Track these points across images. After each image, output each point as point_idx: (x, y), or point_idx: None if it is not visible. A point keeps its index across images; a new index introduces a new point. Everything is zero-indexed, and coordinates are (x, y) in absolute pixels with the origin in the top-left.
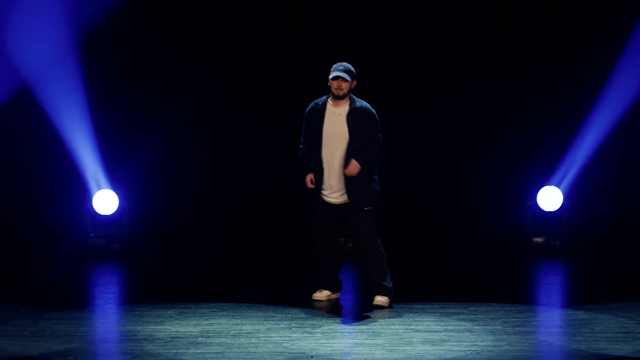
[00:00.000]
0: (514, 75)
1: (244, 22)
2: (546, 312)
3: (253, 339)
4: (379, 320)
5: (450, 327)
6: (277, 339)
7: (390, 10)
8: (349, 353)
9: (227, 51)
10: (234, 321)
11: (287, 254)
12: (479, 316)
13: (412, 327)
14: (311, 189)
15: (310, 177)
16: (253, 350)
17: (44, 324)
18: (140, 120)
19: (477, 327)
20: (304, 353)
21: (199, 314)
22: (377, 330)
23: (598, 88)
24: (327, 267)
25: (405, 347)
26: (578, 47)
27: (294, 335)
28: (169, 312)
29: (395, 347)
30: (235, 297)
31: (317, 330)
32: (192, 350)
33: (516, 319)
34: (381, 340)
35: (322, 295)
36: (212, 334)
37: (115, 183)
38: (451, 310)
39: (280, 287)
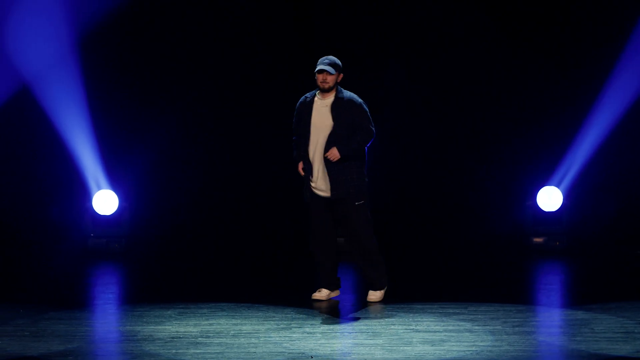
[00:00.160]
0: (514, 75)
1: (244, 22)
2: (546, 312)
3: (253, 339)
4: (379, 320)
5: (450, 327)
6: (277, 339)
7: (390, 10)
8: (349, 353)
9: (227, 51)
10: (234, 321)
11: (287, 254)
12: (479, 316)
13: (411, 327)
14: (305, 182)
15: (301, 165)
16: (253, 350)
17: (43, 324)
18: (140, 120)
19: (476, 327)
20: (303, 353)
21: (198, 314)
22: (376, 331)
23: (598, 88)
24: (325, 266)
25: (405, 347)
26: (578, 47)
27: (294, 335)
28: (169, 312)
29: (395, 347)
30: (235, 297)
31: (317, 331)
32: (192, 351)
33: (516, 319)
34: (381, 341)
35: (321, 294)
36: (211, 334)
37: (115, 183)
38: (451, 311)
39: (280, 287)
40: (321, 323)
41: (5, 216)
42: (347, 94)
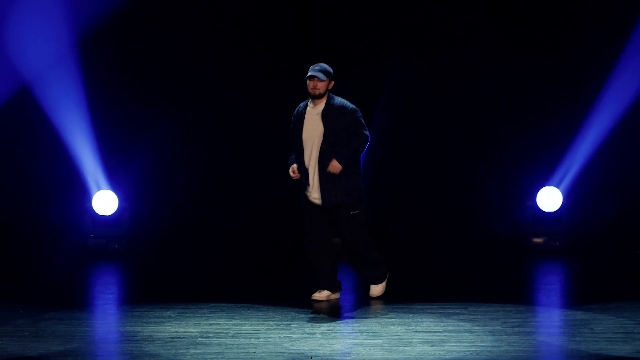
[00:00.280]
0: (514, 75)
1: (244, 22)
2: (546, 313)
3: (253, 339)
4: (379, 320)
5: (450, 328)
6: (277, 339)
7: (390, 10)
8: (349, 353)
9: (227, 51)
10: (234, 322)
11: (287, 254)
12: (479, 316)
13: (411, 327)
14: (301, 189)
15: (292, 168)
16: (252, 350)
17: (43, 324)
18: (140, 120)
19: (476, 328)
20: (303, 353)
21: (198, 315)
22: (376, 331)
23: (598, 88)
24: (323, 267)
25: (405, 348)
26: (578, 47)
27: (294, 335)
28: (169, 312)
29: (394, 348)
30: (235, 297)
31: (317, 331)
32: (192, 351)
33: (516, 320)
34: (380, 341)
35: (321, 295)
36: (211, 335)
37: (115, 183)
38: (451, 311)
39: (280, 287)
40: (321, 323)
41: (5, 216)
42: (339, 100)
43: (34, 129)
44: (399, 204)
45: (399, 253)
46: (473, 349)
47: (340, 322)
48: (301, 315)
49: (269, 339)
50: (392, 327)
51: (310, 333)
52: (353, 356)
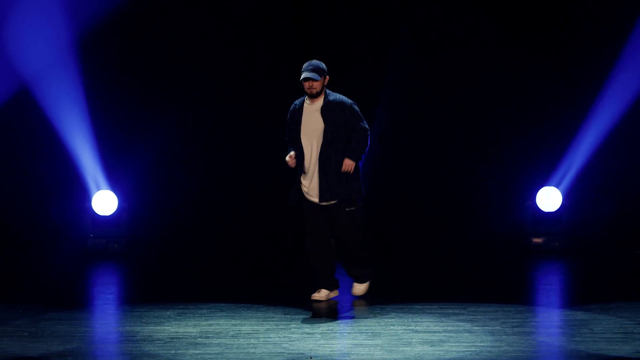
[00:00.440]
0: (514, 75)
1: (244, 22)
2: (545, 313)
3: (252, 339)
4: (378, 320)
5: (450, 328)
6: (276, 339)
7: (391, 10)
8: (348, 354)
9: (227, 51)
10: (233, 322)
11: (287, 254)
12: (478, 317)
13: (411, 327)
14: (294, 186)
15: (289, 155)
16: (252, 350)
17: (43, 325)
18: (140, 120)
19: (476, 328)
20: (303, 354)
21: (198, 315)
22: (376, 331)
23: (598, 88)
24: (322, 267)
25: (404, 348)
26: (578, 47)
27: (293, 335)
28: (168, 312)
29: (394, 348)
30: (235, 297)
31: (316, 331)
32: (191, 351)
33: (515, 320)
34: (380, 341)
35: (321, 295)
36: (211, 335)
37: (115, 183)
38: (450, 311)
39: (279, 288)
40: (320, 323)
41: (5, 216)
42: (336, 96)
43: (34, 129)
44: (399, 204)
45: (399, 253)
46: (472, 349)
47: (339, 322)
48: (301, 316)
49: (269, 339)
50: (391, 327)
51: (310, 333)
52: (352, 356)
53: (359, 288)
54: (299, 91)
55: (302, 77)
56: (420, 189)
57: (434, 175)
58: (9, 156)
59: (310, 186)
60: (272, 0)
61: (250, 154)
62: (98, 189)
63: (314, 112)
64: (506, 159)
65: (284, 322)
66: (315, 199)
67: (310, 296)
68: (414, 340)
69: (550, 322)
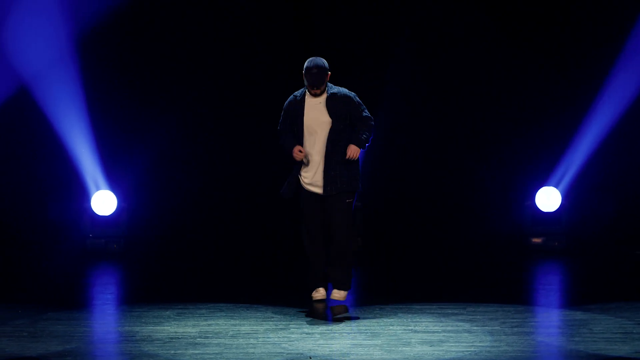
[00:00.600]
0: (514, 75)
1: (244, 22)
2: (545, 313)
3: (251, 339)
4: (378, 320)
5: (449, 328)
6: (276, 339)
7: (390, 10)
8: (347, 354)
9: (227, 51)
10: (233, 322)
11: (286, 254)
12: (478, 317)
13: (410, 327)
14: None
15: (298, 147)
16: (251, 351)
17: (42, 325)
18: (140, 120)
19: (475, 328)
20: (302, 354)
21: (197, 315)
22: (375, 331)
23: (597, 88)
24: (322, 266)
25: (404, 348)
26: (578, 47)
27: (292, 335)
28: (168, 312)
29: (393, 348)
30: (234, 297)
31: (316, 331)
32: (191, 351)
33: (515, 320)
34: (379, 341)
35: (319, 294)
36: (210, 335)
37: (114, 183)
38: (450, 311)
39: (279, 288)
40: (320, 323)
41: (5, 216)
42: (338, 89)
43: (33, 129)
44: (399, 204)
45: (398, 253)
46: (472, 349)
47: (339, 322)
48: (300, 316)
49: (268, 339)
50: (391, 327)
51: (309, 333)
52: (352, 356)
53: (339, 293)
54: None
55: (309, 83)
56: (420, 189)
57: (434, 175)
58: (9, 156)
59: (314, 178)
60: (272, 0)
61: (250, 154)
62: (97, 189)
63: (318, 105)
64: (506, 159)
65: (283, 322)
66: (319, 190)
67: (309, 296)
68: (413, 340)
69: (549, 322)
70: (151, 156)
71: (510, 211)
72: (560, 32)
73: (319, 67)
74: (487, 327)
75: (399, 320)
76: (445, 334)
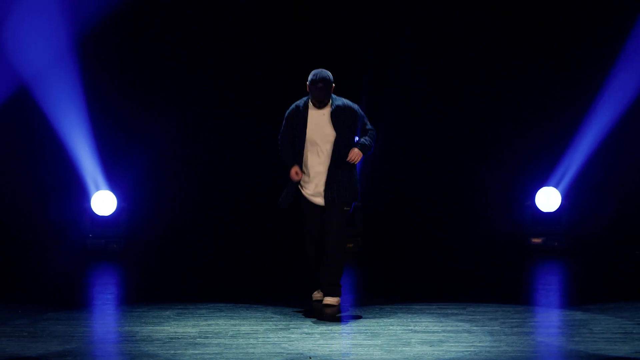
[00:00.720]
0: (514, 75)
1: (244, 22)
2: (544, 313)
3: (251, 339)
4: (378, 320)
5: (449, 328)
6: (276, 339)
7: (391, 10)
8: (348, 354)
9: (227, 51)
10: (233, 322)
11: (286, 254)
12: (478, 317)
13: (410, 327)
14: (290, 187)
15: (296, 169)
16: (251, 351)
17: (42, 325)
18: (140, 120)
19: (475, 328)
20: (302, 354)
21: (197, 315)
22: (375, 331)
23: (597, 88)
24: (318, 265)
25: (404, 348)
26: (578, 47)
27: (292, 336)
28: (167, 312)
29: (393, 348)
30: (234, 297)
31: (316, 331)
32: (191, 351)
33: (514, 320)
34: (379, 341)
35: (320, 294)
36: (210, 335)
37: (114, 184)
38: (449, 311)
39: (279, 288)
40: (320, 324)
41: (5, 216)
42: (342, 100)
43: (33, 129)
44: (399, 204)
45: (398, 253)
46: (472, 349)
47: (339, 322)
48: (300, 316)
49: (268, 340)
50: (390, 327)
51: (309, 333)
52: (352, 356)
53: (332, 299)
54: (299, 91)
55: (314, 96)
56: (420, 189)
57: (434, 175)
58: (9, 156)
59: (316, 189)
60: (272, 0)
61: (250, 154)
62: (97, 189)
63: (322, 116)
64: (506, 159)
65: (283, 322)
66: (320, 201)
67: (309, 296)
68: (413, 340)
69: (549, 322)
70: (151, 156)
71: (510, 211)
72: (560, 32)
73: (325, 81)
74: (487, 327)
75: (399, 320)
76: (445, 334)
